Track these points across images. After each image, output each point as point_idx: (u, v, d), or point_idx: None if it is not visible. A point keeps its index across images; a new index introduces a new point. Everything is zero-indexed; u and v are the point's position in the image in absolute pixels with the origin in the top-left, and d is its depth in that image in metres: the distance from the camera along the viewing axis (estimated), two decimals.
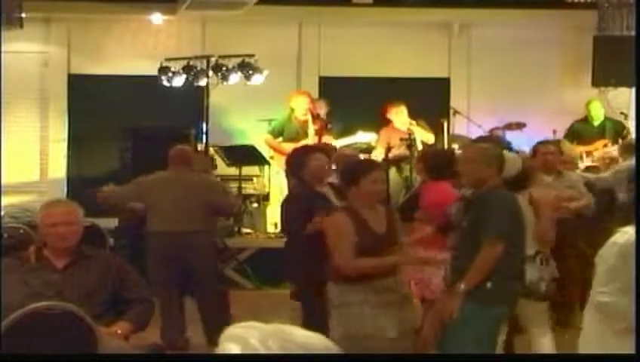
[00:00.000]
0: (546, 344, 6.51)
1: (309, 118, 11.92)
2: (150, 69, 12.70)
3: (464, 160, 5.95)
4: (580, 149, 12.17)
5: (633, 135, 12.03)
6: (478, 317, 5.58)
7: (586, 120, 12.92)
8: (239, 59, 12.21)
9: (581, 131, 12.73)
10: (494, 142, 6.67)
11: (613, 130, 12.65)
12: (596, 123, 12.81)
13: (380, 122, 12.22)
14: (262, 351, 1.64)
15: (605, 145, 12.33)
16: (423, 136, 11.90)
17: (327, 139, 11.81)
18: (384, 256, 5.69)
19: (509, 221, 5.70)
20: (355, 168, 5.97)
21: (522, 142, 12.90)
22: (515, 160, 6.54)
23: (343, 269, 5.63)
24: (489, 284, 5.56)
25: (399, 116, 12.00)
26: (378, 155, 11.63)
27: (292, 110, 11.98)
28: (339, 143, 11.87)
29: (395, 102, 12.11)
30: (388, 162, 11.33)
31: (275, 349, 1.64)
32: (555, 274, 6.48)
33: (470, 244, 5.62)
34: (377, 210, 5.81)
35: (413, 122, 11.91)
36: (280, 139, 11.97)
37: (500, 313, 5.72)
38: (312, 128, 11.87)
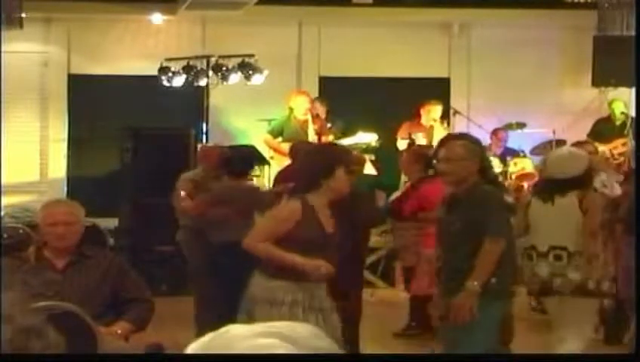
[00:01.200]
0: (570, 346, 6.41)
1: (309, 117, 11.93)
2: (150, 69, 12.70)
3: (448, 158, 5.82)
4: (601, 148, 12.18)
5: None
6: (488, 312, 5.64)
7: (609, 119, 12.97)
8: (239, 59, 12.21)
9: (602, 130, 12.76)
10: (468, 139, 6.61)
11: (629, 127, 12.65)
12: (618, 122, 12.85)
13: (408, 117, 12.38)
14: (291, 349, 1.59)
15: (624, 144, 12.34)
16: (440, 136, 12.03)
17: (328, 139, 11.82)
18: (330, 257, 5.50)
19: (505, 217, 5.77)
20: (324, 163, 5.66)
21: (522, 142, 12.93)
22: (581, 158, 6.55)
23: (244, 245, 5.53)
24: (493, 280, 5.61)
25: (428, 113, 12.29)
26: (400, 146, 11.93)
27: (291, 110, 11.99)
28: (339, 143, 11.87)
29: (434, 101, 12.36)
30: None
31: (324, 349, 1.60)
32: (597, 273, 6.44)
33: (467, 243, 5.63)
34: (329, 209, 5.60)
35: (437, 120, 12.12)
36: (279, 139, 11.97)
37: (503, 307, 5.81)
38: (311, 128, 11.87)
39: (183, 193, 8.39)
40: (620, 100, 13.03)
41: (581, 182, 6.41)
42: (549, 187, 6.58)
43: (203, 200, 8.20)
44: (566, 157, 6.75)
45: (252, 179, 8.78)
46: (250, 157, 8.66)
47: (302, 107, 11.92)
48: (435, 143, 11.79)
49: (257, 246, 5.51)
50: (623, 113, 12.94)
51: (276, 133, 12.04)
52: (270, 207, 8.36)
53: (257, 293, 5.50)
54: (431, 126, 12.21)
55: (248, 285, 5.59)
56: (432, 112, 12.28)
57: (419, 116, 12.36)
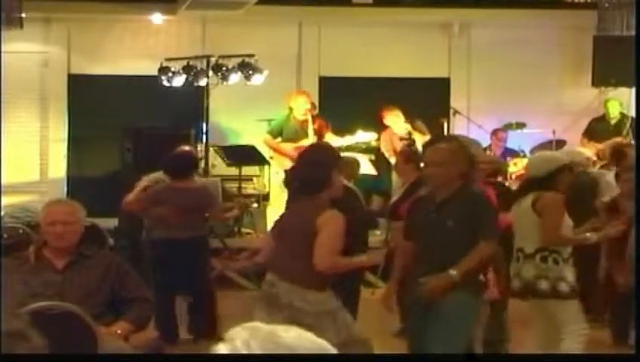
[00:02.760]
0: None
1: (309, 117, 11.91)
2: (150, 69, 12.71)
3: (428, 163, 5.91)
4: (597, 147, 12.18)
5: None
6: (472, 307, 5.72)
7: (604, 118, 12.98)
8: (239, 59, 12.21)
9: (597, 129, 12.77)
10: (456, 141, 6.62)
11: (629, 127, 12.68)
12: (613, 121, 12.86)
13: (378, 126, 12.29)
14: (244, 351, 1.66)
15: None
16: (420, 140, 12.00)
17: (329, 138, 11.80)
18: None
19: (495, 219, 5.86)
20: (324, 173, 6.00)
21: (522, 142, 12.94)
22: (549, 160, 6.56)
23: (324, 265, 5.63)
24: (482, 277, 5.75)
25: (396, 121, 12.14)
26: (386, 152, 11.96)
27: (291, 110, 11.97)
28: (339, 143, 11.84)
29: (390, 106, 12.17)
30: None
31: (255, 349, 1.66)
32: (562, 274, 6.39)
33: (454, 245, 5.66)
34: None
35: (408, 127, 12.02)
36: (279, 139, 11.95)
37: (480, 304, 5.92)
38: (311, 128, 11.85)
39: (135, 190, 8.53)
40: (616, 100, 13.04)
41: (539, 184, 6.42)
42: (516, 189, 6.73)
43: (136, 199, 8.40)
44: (533, 159, 6.84)
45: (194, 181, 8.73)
46: (188, 161, 8.71)
47: (302, 107, 11.89)
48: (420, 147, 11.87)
49: (338, 262, 5.79)
50: (621, 113, 12.95)
51: (275, 133, 12.02)
52: (209, 209, 8.58)
53: (308, 307, 5.67)
54: (408, 132, 12.07)
55: (287, 300, 5.70)
56: (396, 117, 12.12)
57: (387, 126, 12.26)
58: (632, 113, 12.70)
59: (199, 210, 8.39)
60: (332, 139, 11.76)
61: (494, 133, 12.83)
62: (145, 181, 8.71)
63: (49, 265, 5.36)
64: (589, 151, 10.75)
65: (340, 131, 12.20)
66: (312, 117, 11.96)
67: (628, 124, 12.73)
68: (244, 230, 11.89)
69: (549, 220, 6.35)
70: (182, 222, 8.11)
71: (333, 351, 1.71)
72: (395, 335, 8.61)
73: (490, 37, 14.02)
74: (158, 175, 8.73)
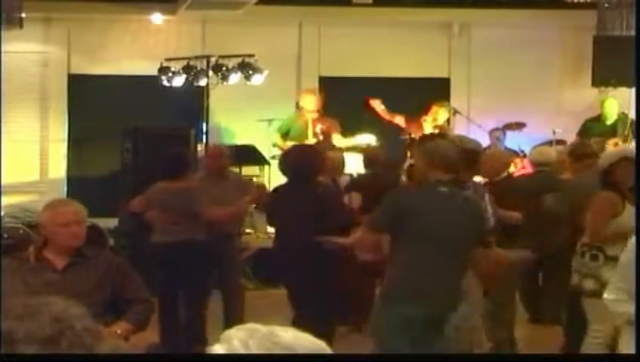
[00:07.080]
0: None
1: (316, 116, 11.95)
2: (150, 69, 12.71)
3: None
4: None
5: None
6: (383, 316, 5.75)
7: (599, 118, 12.94)
8: (239, 59, 12.22)
9: (593, 129, 12.74)
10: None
11: (624, 128, 12.66)
12: (609, 121, 12.82)
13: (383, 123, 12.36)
14: (242, 351, 1.68)
15: (616, 144, 12.33)
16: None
17: (337, 138, 11.83)
18: None
19: (398, 215, 5.64)
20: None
21: (522, 142, 12.93)
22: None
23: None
24: (386, 283, 5.78)
25: (436, 115, 12.29)
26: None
27: (302, 108, 12.00)
28: (342, 144, 11.83)
29: (439, 102, 12.40)
30: None
31: (254, 349, 1.67)
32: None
33: None
34: None
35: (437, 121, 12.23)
36: (287, 138, 11.95)
37: (402, 313, 5.56)
38: (319, 127, 11.86)
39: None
40: (615, 99, 12.99)
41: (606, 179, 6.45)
42: None
43: (134, 202, 8.33)
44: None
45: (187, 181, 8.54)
46: (181, 160, 8.53)
47: (312, 105, 11.95)
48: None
49: None
50: (624, 113, 12.93)
51: (284, 132, 12.05)
52: (201, 209, 8.44)
53: None
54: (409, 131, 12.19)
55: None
56: (439, 114, 12.32)
57: (425, 115, 12.40)
58: (632, 113, 12.68)
59: (195, 211, 8.19)
60: (338, 140, 11.78)
61: (492, 132, 12.85)
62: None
63: (49, 265, 5.36)
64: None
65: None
66: (320, 115, 11.98)
67: (628, 124, 12.71)
68: (244, 230, 11.87)
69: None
70: (178, 224, 8.00)
71: (330, 351, 1.72)
72: None
73: (490, 37, 14.02)
74: None
